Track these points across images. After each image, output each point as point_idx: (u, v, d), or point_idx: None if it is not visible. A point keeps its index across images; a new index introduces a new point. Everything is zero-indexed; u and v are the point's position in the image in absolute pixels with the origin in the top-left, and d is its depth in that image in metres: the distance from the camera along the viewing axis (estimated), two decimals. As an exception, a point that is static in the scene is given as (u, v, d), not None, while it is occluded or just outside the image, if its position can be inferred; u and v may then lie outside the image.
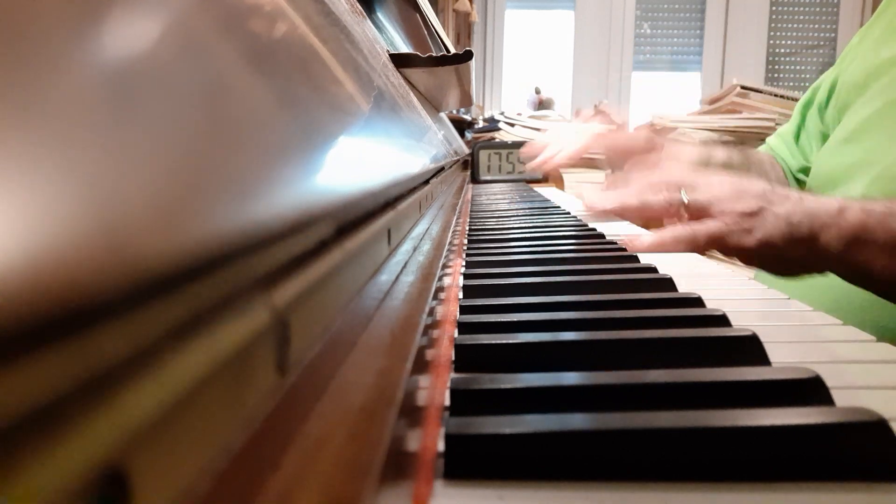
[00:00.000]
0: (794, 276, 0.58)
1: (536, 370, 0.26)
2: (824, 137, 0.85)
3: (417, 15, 0.84)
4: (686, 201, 0.59)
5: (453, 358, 0.29)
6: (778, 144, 0.94)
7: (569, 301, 0.37)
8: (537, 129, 1.79)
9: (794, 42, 3.18)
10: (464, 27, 2.62)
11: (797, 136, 0.92)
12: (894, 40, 0.72)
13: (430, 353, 0.25)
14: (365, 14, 0.55)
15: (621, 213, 0.64)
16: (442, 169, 0.69)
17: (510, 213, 0.87)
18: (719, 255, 1.33)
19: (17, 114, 0.07)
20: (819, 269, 0.56)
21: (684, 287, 0.41)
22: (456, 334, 0.31)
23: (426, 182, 0.50)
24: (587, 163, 1.80)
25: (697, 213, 0.58)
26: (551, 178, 1.56)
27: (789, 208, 0.55)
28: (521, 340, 0.29)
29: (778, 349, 0.29)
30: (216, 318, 0.11)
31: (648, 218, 0.63)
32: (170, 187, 0.09)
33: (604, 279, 0.42)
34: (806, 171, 0.88)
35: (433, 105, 0.89)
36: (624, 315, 0.33)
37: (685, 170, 0.62)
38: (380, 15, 0.83)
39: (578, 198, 0.81)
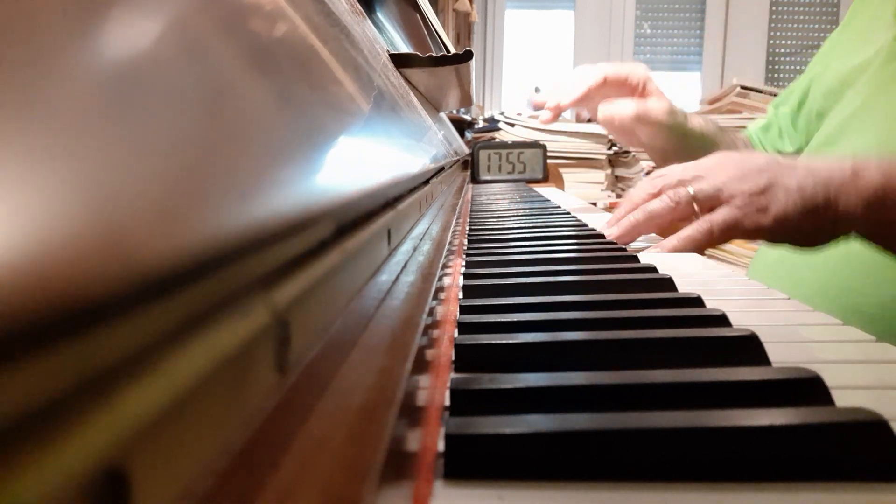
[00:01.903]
0: (819, 245, 0.56)
1: (536, 370, 0.26)
2: (792, 139, 0.89)
3: (417, 15, 0.84)
4: (693, 193, 0.57)
5: (453, 358, 0.29)
6: (752, 131, 0.98)
7: (569, 301, 0.37)
8: (537, 129, 1.79)
9: (794, 42, 3.18)
10: (464, 27, 2.62)
11: (766, 128, 0.95)
12: (864, 46, 0.73)
13: (430, 353, 0.25)
14: (365, 14, 0.55)
15: (636, 235, 0.62)
16: (442, 169, 0.69)
17: (510, 213, 0.87)
18: (720, 255, 1.33)
19: (18, 114, 0.07)
20: (842, 234, 0.54)
21: (684, 287, 0.41)
22: (456, 334, 0.31)
23: (426, 182, 0.50)
24: (587, 164, 1.80)
25: (708, 202, 0.56)
26: (551, 177, 1.56)
27: (800, 178, 0.53)
28: (521, 340, 0.29)
29: (778, 349, 0.29)
30: (216, 318, 0.11)
31: (663, 227, 0.61)
32: (170, 187, 0.09)
33: (604, 279, 0.42)
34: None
35: (433, 105, 0.89)
36: (624, 315, 0.33)
37: (680, 167, 0.61)
38: (380, 15, 0.83)
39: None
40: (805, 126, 0.87)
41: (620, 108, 0.83)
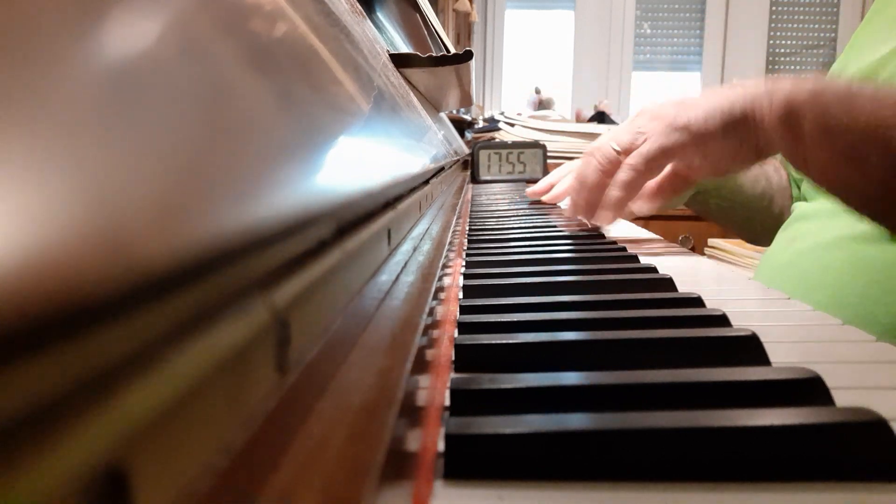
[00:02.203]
0: (748, 164, 0.57)
1: (536, 370, 0.26)
2: None
3: (417, 15, 0.84)
4: (618, 149, 0.58)
5: (453, 358, 0.29)
6: None
7: (569, 301, 0.37)
8: (537, 129, 1.79)
9: (794, 42, 3.19)
10: (464, 27, 2.62)
11: None
12: (886, 41, 0.73)
13: (430, 353, 0.25)
14: (365, 14, 0.55)
15: (583, 207, 0.63)
16: (442, 169, 0.69)
17: (510, 213, 0.87)
18: (719, 255, 1.33)
19: (18, 114, 0.07)
20: (765, 150, 0.55)
21: (684, 287, 0.41)
22: (456, 334, 0.31)
23: (426, 182, 0.50)
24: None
25: (631, 149, 0.58)
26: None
27: (714, 97, 0.54)
28: (520, 340, 0.29)
29: (778, 349, 0.29)
30: (217, 318, 0.11)
31: (603, 188, 0.61)
32: (170, 187, 0.09)
33: (604, 279, 0.42)
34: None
35: (433, 105, 0.89)
36: (624, 315, 0.33)
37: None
38: (380, 15, 0.83)
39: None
40: None
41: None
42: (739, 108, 0.53)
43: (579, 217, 0.64)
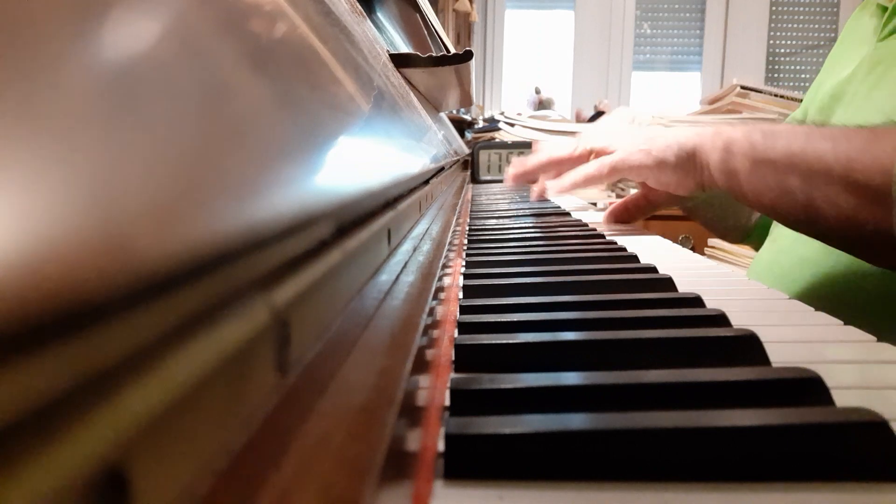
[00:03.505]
0: (691, 190, 0.66)
1: (536, 370, 0.26)
2: None
3: (417, 15, 0.84)
4: (590, 146, 0.71)
5: (453, 358, 0.29)
6: None
7: (569, 301, 0.37)
8: (537, 129, 1.79)
9: (794, 42, 3.18)
10: (464, 27, 2.62)
11: None
12: (850, 61, 0.78)
13: (430, 353, 0.25)
14: (365, 14, 0.55)
15: (538, 171, 0.76)
16: (442, 169, 0.69)
17: (510, 213, 0.87)
18: (719, 255, 1.34)
19: (18, 114, 0.07)
20: (706, 181, 0.64)
21: (684, 287, 0.41)
22: (456, 334, 0.31)
23: (426, 182, 0.50)
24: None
25: (602, 152, 0.70)
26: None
27: (677, 134, 0.66)
28: (520, 340, 0.29)
29: (778, 349, 0.29)
30: (216, 318, 0.11)
31: (563, 170, 0.74)
32: (170, 187, 0.09)
33: (603, 279, 0.42)
34: None
35: (433, 105, 0.89)
36: (624, 315, 0.33)
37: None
38: (380, 15, 0.83)
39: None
40: None
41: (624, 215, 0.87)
42: (691, 145, 0.64)
43: (527, 181, 0.81)
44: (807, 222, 0.56)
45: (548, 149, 0.76)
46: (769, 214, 0.62)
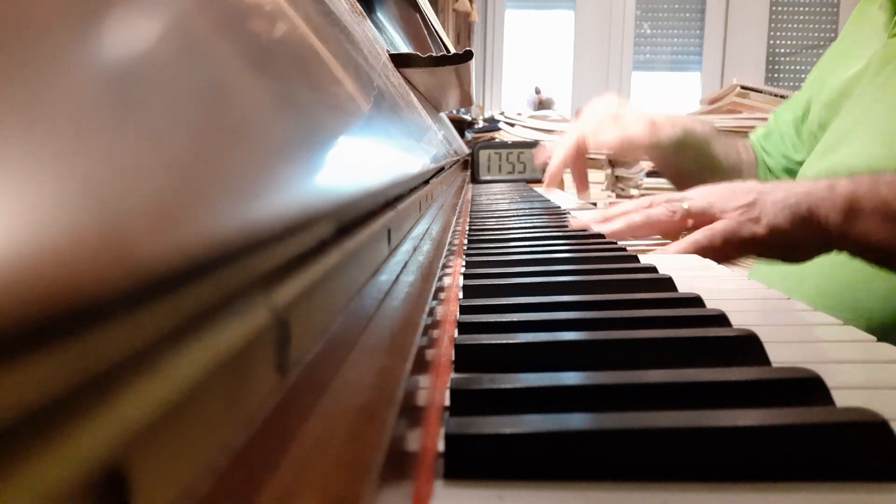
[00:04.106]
0: (809, 257, 0.60)
1: (536, 370, 0.26)
2: (797, 148, 0.93)
3: (417, 15, 0.84)
4: (687, 207, 0.62)
5: (453, 358, 0.29)
6: (754, 139, 1.02)
7: (568, 301, 0.37)
8: (537, 129, 1.79)
9: (794, 42, 3.18)
10: (464, 27, 2.62)
11: (767, 135, 1.00)
12: (859, 57, 0.77)
13: (430, 353, 0.25)
14: (365, 14, 0.55)
15: (629, 234, 0.65)
16: (442, 169, 0.69)
17: (510, 213, 0.87)
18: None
19: (18, 113, 0.07)
20: (826, 246, 0.58)
21: (684, 287, 0.41)
22: (456, 334, 0.31)
23: (426, 182, 0.50)
24: (587, 164, 1.80)
25: (701, 216, 0.61)
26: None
27: (784, 193, 0.58)
28: (520, 340, 0.29)
29: (778, 349, 0.29)
30: (216, 318, 0.11)
31: (655, 234, 0.65)
32: (170, 187, 0.09)
33: (603, 279, 0.42)
34: (778, 163, 0.96)
35: (433, 105, 0.89)
36: (624, 315, 0.33)
37: (666, 193, 0.66)
38: (380, 15, 0.83)
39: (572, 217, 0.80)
40: (809, 137, 0.90)
41: (603, 139, 0.90)
42: (805, 206, 0.57)
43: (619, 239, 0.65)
44: None
45: (644, 213, 0.64)
46: (889, 267, 0.58)
